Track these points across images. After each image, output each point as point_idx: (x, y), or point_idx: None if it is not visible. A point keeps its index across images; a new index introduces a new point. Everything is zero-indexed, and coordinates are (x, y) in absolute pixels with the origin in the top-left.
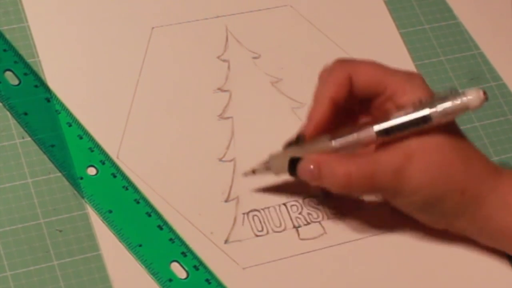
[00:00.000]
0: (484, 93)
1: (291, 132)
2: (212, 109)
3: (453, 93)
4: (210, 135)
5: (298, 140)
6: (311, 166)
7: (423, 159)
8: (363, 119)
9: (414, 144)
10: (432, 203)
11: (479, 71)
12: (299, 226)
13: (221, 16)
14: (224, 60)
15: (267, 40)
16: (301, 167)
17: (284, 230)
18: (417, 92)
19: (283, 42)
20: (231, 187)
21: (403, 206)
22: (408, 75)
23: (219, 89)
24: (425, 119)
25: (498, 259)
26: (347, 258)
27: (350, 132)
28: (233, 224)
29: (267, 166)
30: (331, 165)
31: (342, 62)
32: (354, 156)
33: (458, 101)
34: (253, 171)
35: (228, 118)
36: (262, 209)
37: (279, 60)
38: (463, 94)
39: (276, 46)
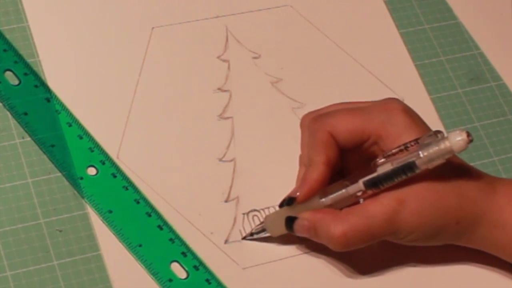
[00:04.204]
0: (468, 134)
1: (291, 132)
2: (212, 109)
3: (437, 137)
4: (210, 135)
5: (290, 201)
6: (307, 226)
7: (415, 201)
8: (350, 166)
9: (405, 189)
10: (429, 237)
11: (479, 71)
12: None
13: (221, 16)
14: (224, 60)
15: (267, 40)
16: (297, 226)
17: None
18: (401, 133)
19: (283, 42)
20: (231, 187)
21: (401, 242)
22: (387, 111)
23: (219, 89)
24: (411, 167)
25: (502, 270)
26: (347, 258)
27: (339, 189)
28: (233, 224)
29: (264, 227)
30: (326, 225)
31: (318, 121)
32: (347, 211)
33: (442, 146)
34: (251, 234)
35: (228, 118)
36: (262, 209)
37: (279, 60)
38: (447, 138)
39: (276, 46)
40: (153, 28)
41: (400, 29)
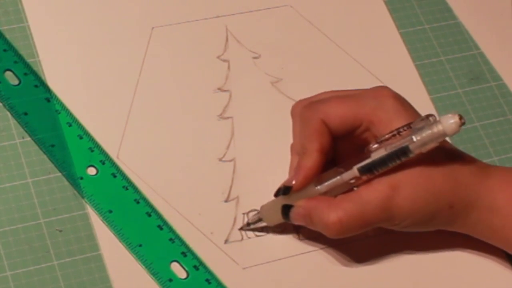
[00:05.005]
0: (461, 117)
1: (291, 132)
2: (212, 109)
3: (429, 121)
4: (210, 135)
5: (286, 190)
6: (302, 213)
7: (409, 187)
8: (343, 154)
9: (398, 174)
10: (423, 222)
11: (479, 71)
12: (299, 226)
13: (221, 16)
14: (224, 60)
15: (267, 40)
16: (293, 214)
17: (284, 230)
18: (392, 118)
19: (283, 42)
20: (231, 187)
21: (396, 229)
22: (377, 98)
23: (219, 89)
24: (404, 152)
25: (496, 258)
26: (347, 258)
27: (334, 176)
28: (233, 224)
29: (260, 217)
30: (321, 213)
31: (310, 108)
32: (341, 198)
33: (435, 130)
34: (248, 224)
35: (228, 118)
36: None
37: (279, 60)
38: (439, 121)
39: (276, 46)
40: (153, 28)
41: (400, 29)
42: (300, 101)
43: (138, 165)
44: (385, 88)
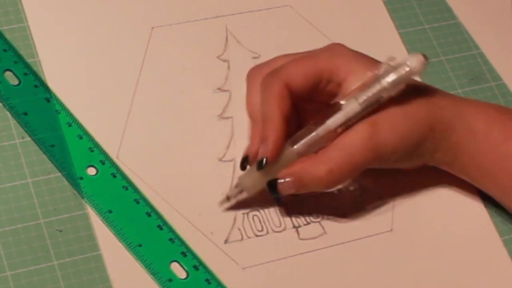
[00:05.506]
0: (424, 56)
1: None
2: (212, 109)
3: (393, 64)
4: (210, 135)
5: (261, 165)
6: (291, 182)
7: (388, 120)
8: (312, 115)
9: (375, 114)
10: (409, 153)
11: (479, 71)
12: (299, 226)
13: (221, 16)
14: (224, 60)
15: (267, 40)
16: (281, 186)
17: (284, 230)
18: (349, 61)
19: (283, 42)
20: (231, 187)
21: (385, 166)
22: (331, 49)
23: (219, 89)
24: (376, 98)
25: (497, 256)
26: (347, 258)
27: (309, 133)
28: (233, 224)
29: (240, 190)
30: (309, 171)
31: (271, 75)
32: (324, 150)
33: (402, 72)
34: (228, 198)
35: (228, 118)
36: (262, 209)
37: None
38: (404, 63)
39: (276, 46)
40: (153, 28)
41: (399, 29)
42: (257, 67)
43: (138, 165)
44: (337, 43)
